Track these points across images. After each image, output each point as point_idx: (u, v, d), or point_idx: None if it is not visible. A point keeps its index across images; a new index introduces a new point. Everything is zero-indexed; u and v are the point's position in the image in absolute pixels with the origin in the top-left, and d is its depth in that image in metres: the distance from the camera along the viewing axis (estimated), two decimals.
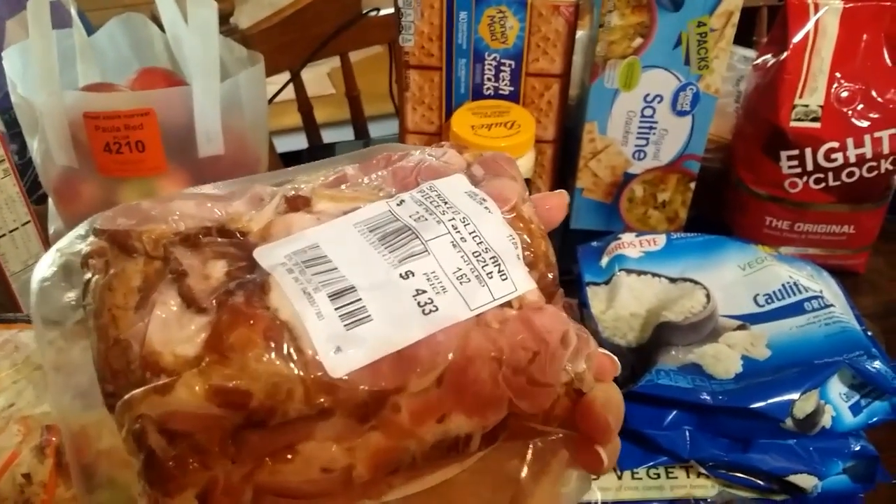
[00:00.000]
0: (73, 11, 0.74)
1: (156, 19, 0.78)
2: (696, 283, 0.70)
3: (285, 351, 0.27)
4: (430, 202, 0.32)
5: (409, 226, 0.31)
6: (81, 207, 0.72)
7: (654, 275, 0.71)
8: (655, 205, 0.86)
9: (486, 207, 0.32)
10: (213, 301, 0.28)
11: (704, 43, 0.76)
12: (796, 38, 0.78)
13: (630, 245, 0.74)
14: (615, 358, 0.33)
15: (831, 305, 0.65)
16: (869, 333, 0.63)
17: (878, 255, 0.85)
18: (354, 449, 0.27)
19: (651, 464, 0.60)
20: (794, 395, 0.58)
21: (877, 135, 0.76)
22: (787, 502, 0.59)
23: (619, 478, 0.60)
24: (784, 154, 0.79)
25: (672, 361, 0.62)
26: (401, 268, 0.29)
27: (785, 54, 0.79)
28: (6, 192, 0.71)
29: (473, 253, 0.31)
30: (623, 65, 0.78)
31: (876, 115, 0.76)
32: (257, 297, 0.28)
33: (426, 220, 0.31)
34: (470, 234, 0.31)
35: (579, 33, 0.82)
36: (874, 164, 0.77)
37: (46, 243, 0.75)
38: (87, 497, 0.36)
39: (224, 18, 1.07)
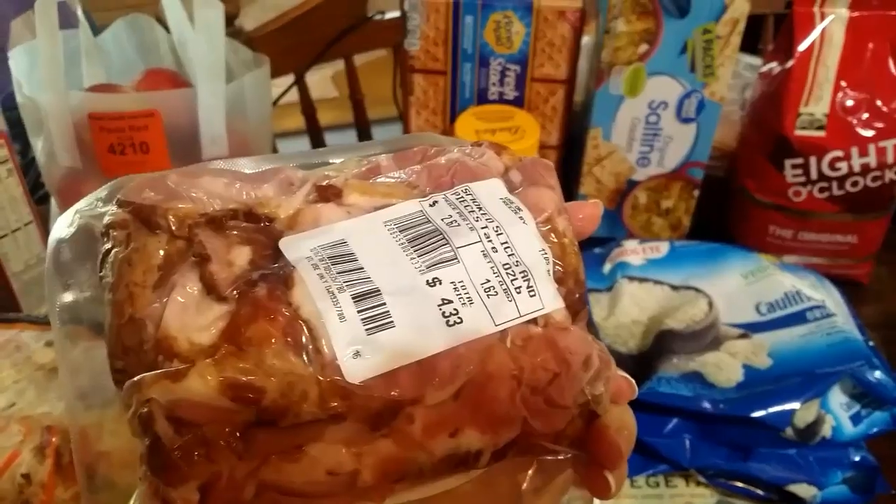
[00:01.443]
0: (80, 12, 0.74)
1: (161, 20, 0.78)
2: (698, 290, 0.70)
3: (303, 350, 0.26)
4: (465, 206, 0.31)
5: (441, 230, 0.30)
6: None
7: (656, 282, 0.71)
8: (659, 212, 0.86)
9: (520, 217, 0.31)
10: (235, 291, 0.27)
11: (710, 50, 0.76)
12: (802, 47, 0.78)
13: (633, 252, 0.74)
14: (633, 381, 0.32)
15: (833, 315, 0.65)
16: (871, 343, 0.63)
17: (881, 265, 0.84)
18: (362, 455, 0.27)
19: (650, 472, 0.60)
20: (795, 405, 0.58)
21: (881, 144, 0.76)
22: None
23: None
24: (788, 162, 0.79)
25: (673, 369, 0.62)
26: (428, 274, 0.29)
27: (790, 62, 0.78)
28: (9, 192, 0.71)
29: (503, 265, 0.30)
30: (628, 71, 0.78)
31: (881, 125, 0.76)
32: (280, 291, 0.27)
33: (458, 225, 0.30)
34: (502, 244, 0.30)
35: (585, 39, 0.83)
36: (878, 173, 0.77)
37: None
38: (90, 497, 0.36)
39: (228, 21, 1.07)
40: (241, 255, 0.28)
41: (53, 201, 0.75)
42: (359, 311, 0.27)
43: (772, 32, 1.35)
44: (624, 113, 0.80)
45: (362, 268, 0.28)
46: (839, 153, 0.77)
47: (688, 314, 0.66)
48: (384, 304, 0.28)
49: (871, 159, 0.76)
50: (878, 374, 0.59)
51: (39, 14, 0.65)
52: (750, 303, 0.68)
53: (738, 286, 0.69)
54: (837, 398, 0.60)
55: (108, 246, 0.29)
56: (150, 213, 0.29)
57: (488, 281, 0.29)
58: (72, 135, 0.67)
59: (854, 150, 0.76)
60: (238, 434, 0.26)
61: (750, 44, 0.94)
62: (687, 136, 0.81)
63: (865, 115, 0.77)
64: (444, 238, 0.30)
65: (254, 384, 0.25)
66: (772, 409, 0.57)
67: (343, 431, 0.26)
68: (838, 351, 0.61)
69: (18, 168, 0.72)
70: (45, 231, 0.75)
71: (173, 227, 0.29)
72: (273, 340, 0.26)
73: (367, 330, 0.27)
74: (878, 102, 0.77)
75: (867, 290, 0.84)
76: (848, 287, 0.73)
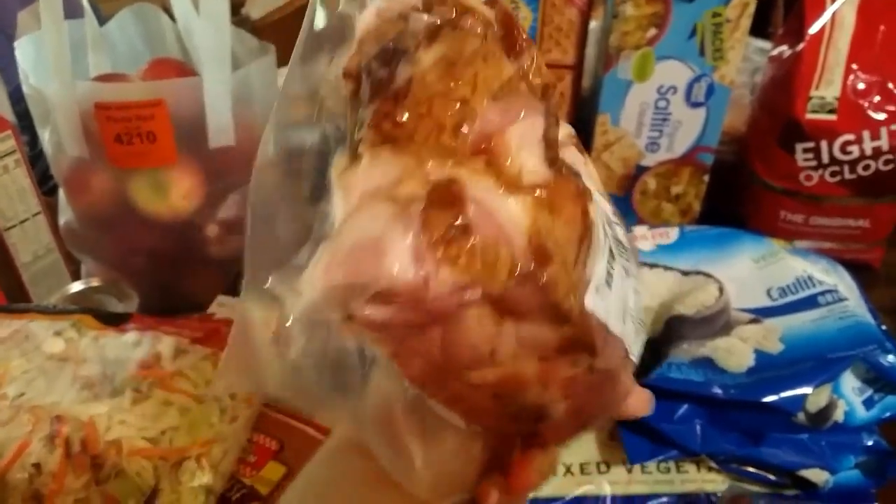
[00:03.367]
0: (85, 2, 0.74)
1: (167, 9, 0.78)
2: (708, 276, 0.69)
3: (579, 252, 0.28)
4: (623, 244, 0.34)
5: (626, 247, 0.34)
6: (92, 198, 0.71)
7: (666, 268, 0.70)
8: (668, 197, 0.85)
9: (636, 282, 0.36)
10: (561, 166, 0.29)
11: (720, 34, 0.75)
12: (813, 30, 0.77)
13: (643, 238, 0.73)
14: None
15: (845, 299, 0.64)
16: (883, 328, 0.62)
17: (893, 249, 0.84)
18: (515, 357, 0.29)
19: (661, 457, 0.59)
20: (807, 390, 0.57)
21: (893, 127, 0.75)
22: (799, 497, 0.59)
23: (629, 471, 0.59)
24: (799, 146, 0.78)
25: (684, 355, 0.61)
26: (624, 273, 0.33)
27: (801, 46, 0.78)
28: (18, 183, 0.71)
29: (636, 309, 0.34)
30: (637, 56, 0.77)
31: (893, 108, 0.75)
32: (587, 196, 0.30)
33: (625, 252, 0.34)
34: (636, 293, 0.35)
35: (592, 24, 0.82)
36: (891, 157, 0.76)
37: (56, 234, 0.75)
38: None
39: (234, 9, 1.07)
40: (563, 134, 0.31)
41: (61, 192, 0.75)
42: (606, 263, 0.31)
43: (781, 15, 1.34)
44: (632, 98, 0.80)
45: (605, 233, 0.31)
46: (851, 137, 0.76)
47: (698, 299, 0.66)
48: (614, 270, 0.31)
49: (883, 142, 0.76)
50: (890, 357, 0.58)
51: (44, 4, 0.65)
52: (761, 287, 0.67)
53: (749, 271, 0.69)
54: (850, 382, 0.60)
55: (463, 23, 0.29)
56: (515, 36, 0.30)
57: (635, 315, 0.34)
58: (78, 125, 0.67)
59: (866, 134, 0.76)
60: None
61: (760, 27, 0.93)
62: (696, 121, 0.80)
63: (877, 99, 0.76)
64: (629, 255, 0.34)
65: (549, 249, 0.27)
66: (783, 394, 0.57)
67: (539, 334, 0.29)
68: (850, 335, 0.61)
69: (26, 159, 0.72)
70: (53, 221, 0.75)
71: (530, 70, 0.30)
72: (573, 223, 0.28)
73: (605, 279, 0.30)
74: (890, 85, 0.76)
75: (879, 275, 0.83)
76: (860, 271, 0.72)
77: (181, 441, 0.51)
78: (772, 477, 0.58)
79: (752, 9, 0.74)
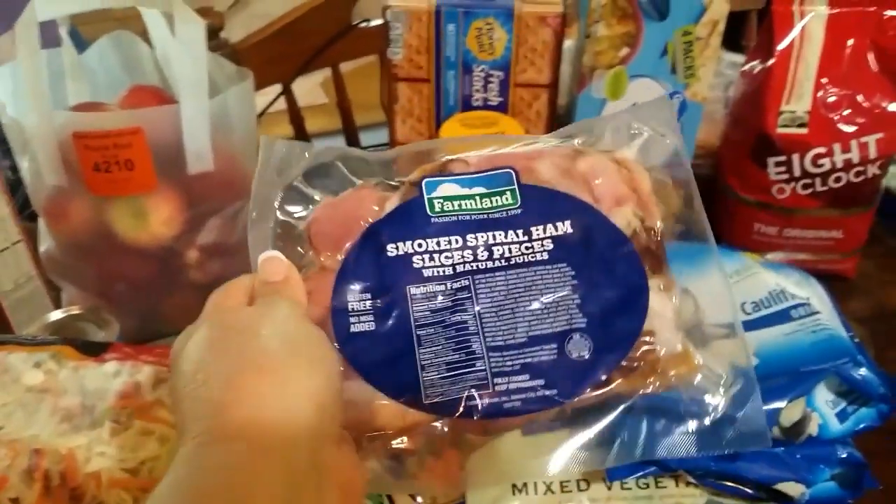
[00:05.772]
0: (63, 31, 0.74)
1: (146, 36, 0.79)
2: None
3: None
4: None
5: None
6: (71, 226, 0.72)
7: None
8: None
9: None
10: None
11: (691, 52, 0.76)
12: (782, 45, 0.78)
13: None
14: None
15: (818, 312, 0.65)
16: (856, 340, 0.63)
17: (867, 259, 0.85)
18: None
19: (640, 473, 0.60)
20: (781, 404, 0.58)
21: (863, 140, 0.76)
22: None
23: (609, 488, 0.60)
24: (771, 160, 0.79)
25: None
26: None
27: (771, 61, 0.79)
28: None
29: None
30: (610, 74, 0.78)
31: (862, 121, 0.77)
32: None
33: None
34: None
35: (567, 43, 0.83)
36: (861, 168, 0.77)
37: (37, 261, 0.76)
38: None
39: (214, 33, 1.07)
40: None
41: (41, 220, 0.75)
42: None
43: (755, 29, 1.36)
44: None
45: None
46: (822, 150, 0.77)
47: None
48: None
49: (854, 155, 0.77)
50: (863, 370, 0.59)
51: (19, 34, 0.65)
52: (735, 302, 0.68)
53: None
54: (823, 396, 0.60)
55: None
56: None
57: None
58: (57, 154, 0.67)
59: (836, 147, 0.77)
60: None
61: (734, 40, 0.95)
62: None
63: (847, 112, 0.77)
64: None
65: None
66: None
67: None
68: (823, 348, 0.61)
69: (5, 187, 0.72)
70: (34, 248, 0.76)
71: None
72: None
73: None
74: (859, 98, 0.77)
75: (854, 285, 0.84)
76: (835, 282, 0.73)
77: (161, 471, 0.51)
78: (749, 491, 0.59)
79: (721, 27, 0.75)
